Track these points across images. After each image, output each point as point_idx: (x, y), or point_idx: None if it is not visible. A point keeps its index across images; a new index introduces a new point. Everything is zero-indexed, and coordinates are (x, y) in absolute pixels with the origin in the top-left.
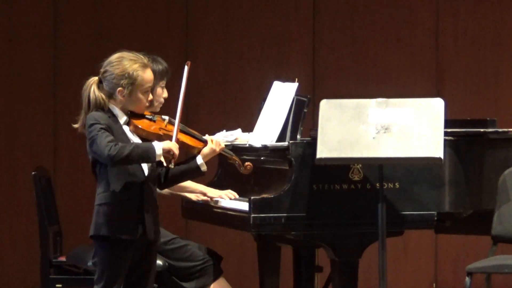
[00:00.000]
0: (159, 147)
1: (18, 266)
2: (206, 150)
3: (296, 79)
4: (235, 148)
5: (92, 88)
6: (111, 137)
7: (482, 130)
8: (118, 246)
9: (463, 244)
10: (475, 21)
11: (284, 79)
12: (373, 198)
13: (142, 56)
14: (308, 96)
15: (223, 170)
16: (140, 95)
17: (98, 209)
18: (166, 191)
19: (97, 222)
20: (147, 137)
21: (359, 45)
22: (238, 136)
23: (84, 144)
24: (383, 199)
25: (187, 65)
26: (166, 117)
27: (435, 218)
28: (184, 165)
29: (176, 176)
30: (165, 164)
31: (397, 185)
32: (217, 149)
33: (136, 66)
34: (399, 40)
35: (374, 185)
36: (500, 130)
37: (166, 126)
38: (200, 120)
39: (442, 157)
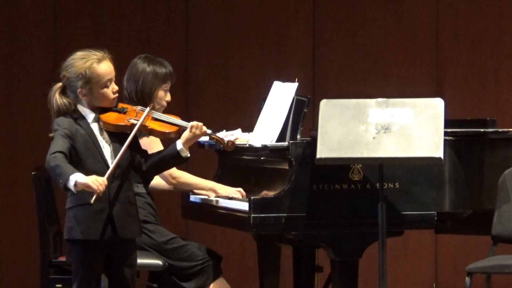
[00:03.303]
0: (73, 179)
1: (18, 266)
2: (185, 134)
3: (296, 79)
4: (235, 148)
5: (55, 95)
6: (60, 145)
7: (482, 130)
8: (89, 247)
9: (463, 244)
10: (475, 21)
11: (284, 79)
12: (373, 198)
13: (95, 52)
14: (308, 96)
15: (223, 170)
16: (101, 90)
17: (67, 213)
18: (169, 186)
19: (68, 225)
20: (116, 131)
21: (359, 45)
22: (238, 136)
23: None
24: (383, 199)
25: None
26: (139, 107)
27: (435, 218)
28: (163, 151)
29: (156, 163)
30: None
31: (397, 185)
32: (198, 132)
33: (87, 64)
34: (399, 40)
35: (374, 185)
36: (500, 130)
37: (136, 115)
38: (199, 120)
39: (442, 157)
